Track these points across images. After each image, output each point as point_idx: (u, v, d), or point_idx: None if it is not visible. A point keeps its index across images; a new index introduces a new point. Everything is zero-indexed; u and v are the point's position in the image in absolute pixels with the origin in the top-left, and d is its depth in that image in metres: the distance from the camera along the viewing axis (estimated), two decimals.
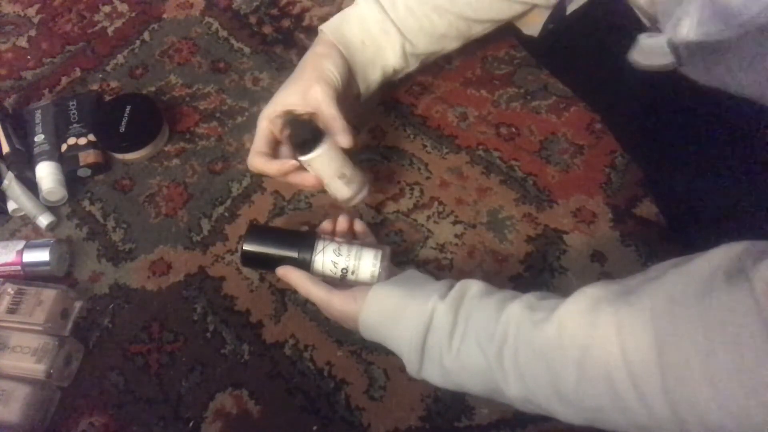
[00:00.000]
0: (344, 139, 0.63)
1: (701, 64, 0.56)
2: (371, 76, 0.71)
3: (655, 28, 0.60)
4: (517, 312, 0.50)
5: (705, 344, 0.39)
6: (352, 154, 0.66)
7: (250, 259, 0.64)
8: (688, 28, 0.48)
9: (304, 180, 0.65)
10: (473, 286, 0.56)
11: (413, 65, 0.74)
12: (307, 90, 0.64)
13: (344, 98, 0.68)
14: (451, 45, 0.74)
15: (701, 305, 0.41)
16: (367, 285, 0.60)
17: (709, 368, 0.39)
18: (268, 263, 0.64)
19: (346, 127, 0.64)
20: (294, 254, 0.63)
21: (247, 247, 0.64)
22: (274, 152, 0.67)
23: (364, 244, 0.63)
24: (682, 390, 0.40)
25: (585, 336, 0.45)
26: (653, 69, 0.54)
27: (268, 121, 0.66)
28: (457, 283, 0.56)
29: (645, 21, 0.63)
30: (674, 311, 0.42)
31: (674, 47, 0.51)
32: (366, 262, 0.62)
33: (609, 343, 0.44)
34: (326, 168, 0.64)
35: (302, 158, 0.63)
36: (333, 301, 0.59)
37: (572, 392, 0.46)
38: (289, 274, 0.62)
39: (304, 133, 0.63)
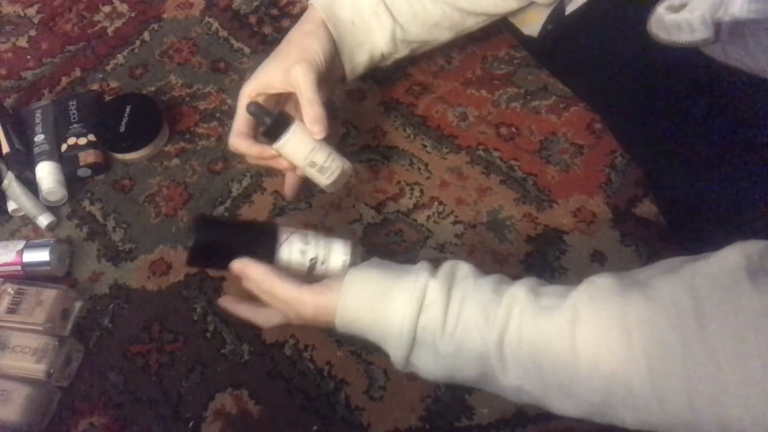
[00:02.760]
0: (317, 129, 0.61)
1: (739, 42, 0.52)
2: (358, 57, 0.70)
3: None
4: (521, 296, 0.48)
5: (735, 346, 0.38)
6: (346, 149, 0.64)
7: (201, 256, 0.56)
8: (740, 5, 0.45)
9: (278, 164, 0.65)
10: (463, 266, 0.53)
11: (402, 52, 0.72)
12: (288, 69, 0.62)
13: (327, 79, 0.66)
14: (443, 36, 0.73)
15: (729, 305, 0.40)
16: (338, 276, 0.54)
17: (740, 370, 0.38)
18: (223, 260, 0.56)
19: (321, 116, 0.61)
20: (256, 247, 0.55)
21: (198, 241, 0.55)
22: (255, 132, 0.66)
23: (329, 235, 0.60)
24: (708, 391, 0.39)
25: (601, 327, 0.44)
26: (677, 46, 0.50)
27: (248, 98, 0.64)
28: (444, 263, 0.53)
29: None
30: (700, 309, 0.41)
31: (717, 24, 0.47)
32: (337, 251, 0.57)
33: (628, 337, 0.42)
34: (295, 155, 0.62)
35: (272, 145, 0.62)
36: (304, 296, 0.53)
37: (580, 384, 0.44)
38: (248, 268, 0.55)
39: (271, 119, 0.60)
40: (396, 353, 0.51)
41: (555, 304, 0.46)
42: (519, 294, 0.48)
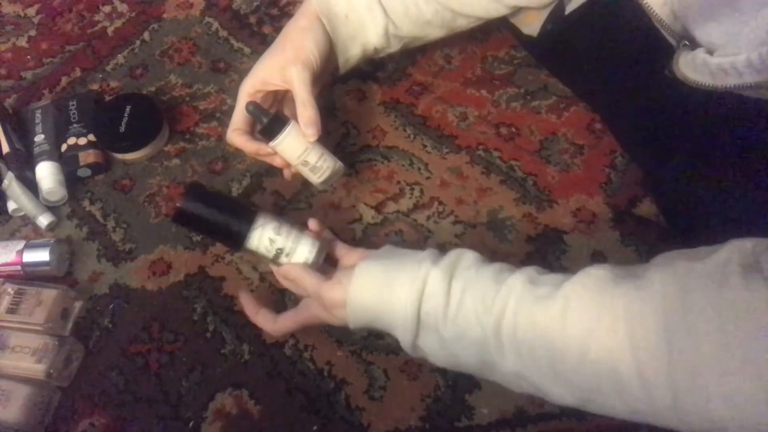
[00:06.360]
0: (310, 131, 0.63)
1: None
2: (351, 50, 0.71)
3: (690, 44, 0.55)
4: (518, 285, 0.49)
5: (718, 336, 0.39)
6: (346, 148, 0.66)
7: (184, 217, 0.61)
8: None
9: (273, 161, 0.68)
10: (468, 255, 0.54)
11: (395, 46, 0.74)
12: (285, 67, 0.65)
13: (323, 73, 0.69)
14: (435, 33, 0.74)
15: (716, 297, 0.40)
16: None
17: (721, 360, 0.39)
18: (201, 226, 0.62)
19: (315, 119, 0.63)
20: (232, 223, 0.60)
21: (185, 204, 0.60)
22: (251, 128, 0.69)
23: (302, 231, 0.62)
24: (689, 379, 0.40)
25: (591, 317, 0.45)
26: (718, 89, 0.49)
27: (247, 95, 0.67)
28: (450, 251, 0.55)
29: (671, 40, 0.60)
30: (687, 300, 0.41)
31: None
32: (303, 248, 0.60)
33: (616, 326, 0.43)
34: (289, 154, 0.65)
35: (268, 144, 0.65)
36: (323, 289, 0.57)
37: (571, 371, 0.45)
38: (288, 268, 0.60)
39: (267, 119, 0.64)
40: (404, 338, 0.54)
41: (549, 293, 0.48)
42: (516, 283, 0.50)
